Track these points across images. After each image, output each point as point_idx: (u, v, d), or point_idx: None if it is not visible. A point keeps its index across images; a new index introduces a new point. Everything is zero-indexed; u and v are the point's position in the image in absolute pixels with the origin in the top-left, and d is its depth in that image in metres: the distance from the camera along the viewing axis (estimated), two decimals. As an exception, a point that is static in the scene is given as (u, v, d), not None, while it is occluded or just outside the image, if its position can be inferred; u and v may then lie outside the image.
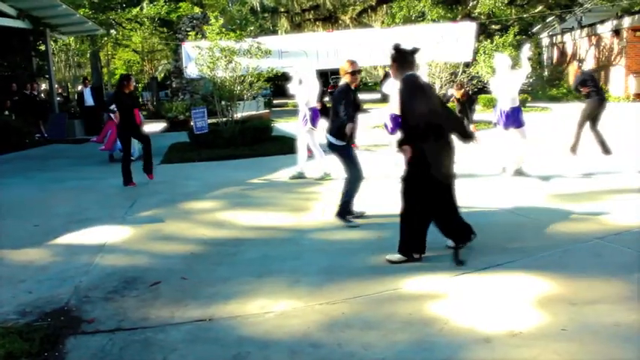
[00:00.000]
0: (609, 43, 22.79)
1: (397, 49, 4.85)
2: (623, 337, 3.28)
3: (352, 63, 6.04)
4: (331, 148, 5.99)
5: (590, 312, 3.63)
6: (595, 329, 3.39)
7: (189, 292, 4.28)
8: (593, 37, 23.98)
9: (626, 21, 21.51)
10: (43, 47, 18.37)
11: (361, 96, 31.83)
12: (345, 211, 5.98)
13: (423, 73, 8.09)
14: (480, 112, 16.35)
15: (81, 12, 19.40)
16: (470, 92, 10.55)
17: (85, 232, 6.12)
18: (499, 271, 4.41)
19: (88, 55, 28.44)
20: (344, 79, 6.07)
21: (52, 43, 20.12)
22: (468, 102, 10.32)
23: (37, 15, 16.32)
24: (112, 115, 11.36)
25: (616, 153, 9.03)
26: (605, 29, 22.89)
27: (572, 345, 3.22)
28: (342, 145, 5.92)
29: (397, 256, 4.73)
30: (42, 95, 20.46)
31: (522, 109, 8.28)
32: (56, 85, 21.78)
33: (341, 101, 5.83)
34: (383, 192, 7.46)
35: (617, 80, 22.02)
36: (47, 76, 18.53)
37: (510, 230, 5.54)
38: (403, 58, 4.81)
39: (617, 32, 22.07)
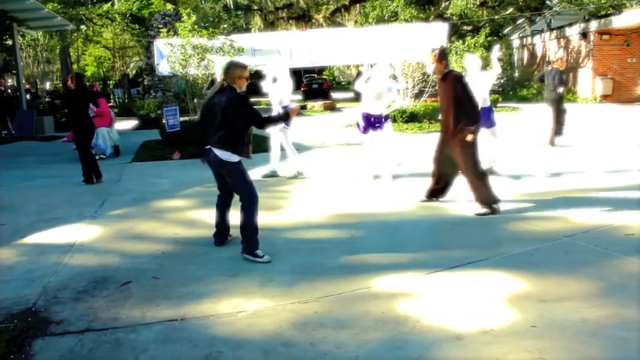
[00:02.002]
0: (577, 45, 23.25)
1: (443, 50, 6.19)
2: (589, 333, 3.35)
3: (245, 68, 5.12)
4: (221, 165, 4.99)
5: (558, 309, 3.70)
6: (563, 325, 3.45)
7: (161, 292, 4.23)
8: (562, 39, 24.44)
9: (594, 24, 21.97)
10: (10, 42, 17.96)
11: (334, 95, 31.76)
12: (255, 245, 4.99)
13: (388, 73, 8.11)
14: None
15: (50, 6, 19.06)
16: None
17: (54, 231, 6.00)
18: (470, 269, 4.47)
19: (58, 51, 27.94)
20: (236, 86, 4.97)
21: (19, 37, 19.67)
22: None
23: (3, 8, 15.94)
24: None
25: (584, 153, 9.22)
26: (573, 32, 23.35)
27: (541, 341, 3.27)
28: (236, 162, 4.98)
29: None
30: (9, 91, 20.02)
31: (493, 109, 8.39)
32: (24, 81, 21.34)
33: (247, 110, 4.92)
34: (354, 191, 7.49)
35: (585, 82, 22.48)
36: (15, 71, 18.12)
37: (481, 229, 5.61)
38: (446, 57, 6.00)
39: (584, 35, 22.53)
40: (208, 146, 4.93)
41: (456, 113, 6.03)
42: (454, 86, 6.00)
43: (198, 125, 5.19)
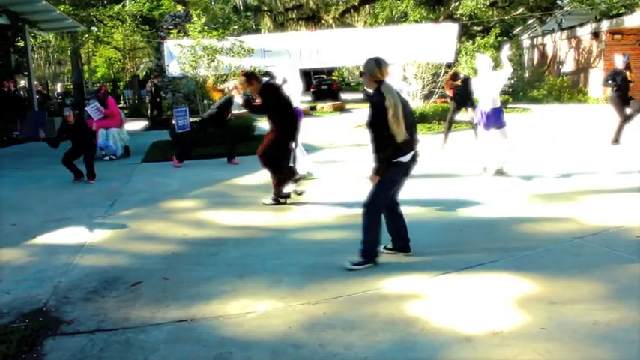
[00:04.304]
0: (588, 45, 23.10)
1: (245, 74, 6.89)
2: (601, 336, 3.33)
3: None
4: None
5: (569, 311, 3.67)
6: (574, 328, 3.43)
7: (171, 292, 4.25)
8: (572, 39, 24.29)
9: (605, 24, 21.82)
10: (22, 44, 18.09)
11: (344, 96, 31.71)
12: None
13: (399, 75, 8.12)
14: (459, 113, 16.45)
15: (61, 8, 19.15)
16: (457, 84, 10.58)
17: (65, 231, 6.04)
18: (480, 271, 4.45)
19: (69, 53, 28.11)
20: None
21: (31, 39, 19.82)
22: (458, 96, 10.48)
23: (16, 10, 16.04)
24: (90, 114, 11.29)
25: (595, 154, 9.15)
26: (584, 32, 23.19)
27: (551, 343, 3.25)
28: None
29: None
30: (21, 92, 20.17)
31: (503, 109, 8.35)
32: (36, 82, 21.49)
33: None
34: (364, 193, 7.48)
35: (596, 82, 22.31)
36: (26, 72, 18.24)
37: (491, 230, 5.58)
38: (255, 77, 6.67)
39: (596, 35, 22.37)
40: (412, 151, 4.56)
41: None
42: (262, 95, 6.71)
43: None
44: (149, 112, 20.05)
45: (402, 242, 4.85)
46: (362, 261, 4.58)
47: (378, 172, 4.50)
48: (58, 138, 8.93)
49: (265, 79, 7.05)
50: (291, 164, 7.13)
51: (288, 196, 6.96)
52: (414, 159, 4.60)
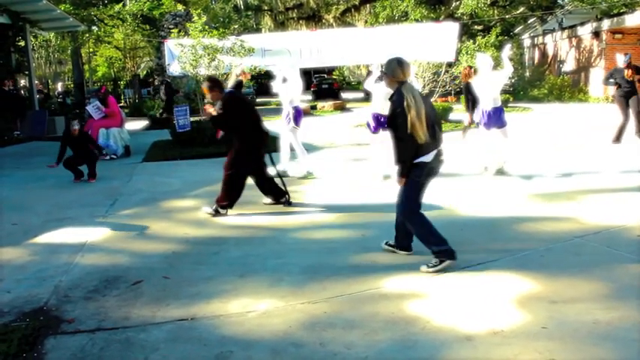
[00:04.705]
0: (589, 44, 23.09)
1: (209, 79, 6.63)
2: (601, 335, 3.32)
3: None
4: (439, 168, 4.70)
5: (569, 310, 3.67)
6: (575, 327, 3.43)
7: (171, 292, 4.25)
8: (573, 38, 24.27)
9: (606, 23, 21.80)
10: (22, 43, 18.09)
11: (344, 95, 31.82)
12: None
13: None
14: (458, 112, 16.45)
15: (62, 8, 19.16)
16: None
17: (65, 230, 6.04)
18: (480, 270, 4.45)
19: (69, 52, 28.12)
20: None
21: (32, 38, 19.82)
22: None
23: (17, 10, 16.05)
24: (91, 114, 11.29)
25: (596, 153, 9.15)
26: (585, 31, 23.18)
27: (552, 342, 3.25)
28: None
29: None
30: (22, 92, 20.16)
31: (504, 109, 8.34)
32: (36, 82, 21.48)
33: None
34: (364, 192, 7.48)
35: (597, 81, 22.31)
36: (27, 72, 18.25)
37: (492, 229, 5.58)
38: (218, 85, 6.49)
39: (596, 34, 22.36)
40: (435, 150, 4.46)
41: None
42: (223, 107, 6.44)
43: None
44: (162, 111, 19.71)
45: (406, 241, 4.82)
46: (434, 263, 4.46)
47: (403, 174, 4.45)
48: (62, 151, 8.94)
49: (228, 89, 6.76)
50: (280, 186, 6.85)
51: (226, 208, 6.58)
52: (437, 158, 4.50)
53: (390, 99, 4.50)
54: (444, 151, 4.58)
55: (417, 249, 4.84)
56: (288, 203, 6.80)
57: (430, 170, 4.49)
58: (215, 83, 6.64)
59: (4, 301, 4.13)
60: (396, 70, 4.41)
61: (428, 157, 4.42)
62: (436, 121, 4.52)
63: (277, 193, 6.84)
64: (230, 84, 10.00)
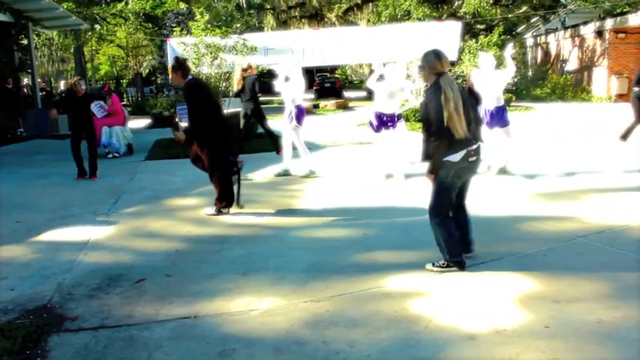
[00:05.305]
0: (592, 44, 23.03)
1: (177, 60, 6.28)
2: (604, 334, 3.32)
3: None
4: (477, 165, 4.49)
5: (572, 309, 3.67)
6: (577, 326, 3.43)
7: (174, 290, 4.26)
8: (576, 38, 24.22)
9: (609, 23, 21.75)
10: (25, 41, 18.12)
11: (347, 94, 31.69)
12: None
13: (403, 73, 8.10)
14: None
15: (64, 6, 19.20)
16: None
17: (69, 228, 6.06)
18: (483, 269, 4.45)
19: (72, 50, 28.15)
20: None
21: (34, 37, 19.85)
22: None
23: (19, 8, 16.08)
24: (94, 112, 11.30)
25: (599, 152, 9.13)
26: (588, 30, 23.13)
27: (555, 342, 3.25)
28: None
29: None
30: (24, 90, 20.17)
31: (507, 108, 8.34)
32: (39, 80, 21.51)
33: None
34: (367, 190, 7.49)
35: (600, 81, 22.27)
36: (30, 70, 18.27)
37: (494, 228, 5.58)
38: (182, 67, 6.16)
39: (599, 34, 22.30)
40: (464, 149, 4.25)
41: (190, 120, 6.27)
42: (185, 95, 6.28)
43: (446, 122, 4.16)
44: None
45: (464, 245, 4.60)
46: (440, 264, 4.43)
47: (433, 170, 4.27)
48: (58, 106, 9.09)
49: (191, 76, 6.40)
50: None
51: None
52: (465, 158, 4.24)
53: (426, 91, 4.37)
54: (479, 150, 4.40)
55: (418, 247, 4.84)
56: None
57: (459, 171, 4.27)
58: (180, 65, 6.28)
59: (8, 299, 4.15)
60: (434, 62, 4.27)
61: (455, 157, 4.21)
62: (474, 118, 4.31)
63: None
64: (236, 76, 9.98)
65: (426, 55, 4.35)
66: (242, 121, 10.67)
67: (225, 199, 6.44)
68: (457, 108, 4.10)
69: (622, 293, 3.90)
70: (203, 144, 6.28)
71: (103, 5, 25.57)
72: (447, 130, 4.11)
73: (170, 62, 14.88)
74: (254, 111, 10.51)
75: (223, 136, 6.39)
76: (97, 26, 26.05)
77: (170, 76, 6.46)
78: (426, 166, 4.34)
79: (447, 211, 4.43)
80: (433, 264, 4.45)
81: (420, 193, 7.03)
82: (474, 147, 4.32)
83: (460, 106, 4.12)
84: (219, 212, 6.46)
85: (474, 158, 4.33)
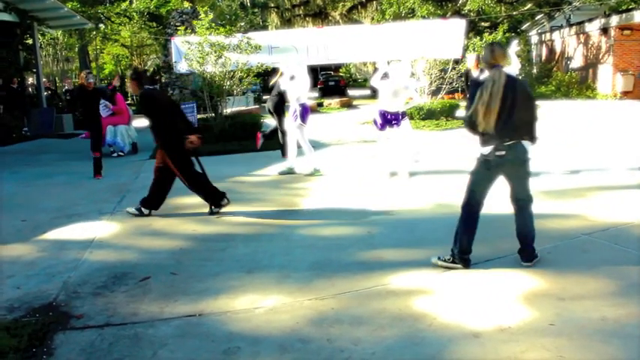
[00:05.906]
0: (597, 41, 22.93)
1: (135, 71, 6.37)
2: (609, 332, 3.32)
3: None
4: (522, 163, 4.67)
5: (577, 307, 3.67)
6: (582, 324, 3.42)
7: (179, 288, 4.27)
8: (581, 35, 24.12)
9: (614, 19, 21.65)
10: (30, 41, 18.18)
11: (351, 92, 31.67)
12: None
13: (408, 71, 8.09)
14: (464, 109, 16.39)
15: (69, 5, 19.24)
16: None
17: (74, 227, 6.08)
18: (487, 267, 4.45)
19: (77, 50, 28.23)
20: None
21: (39, 36, 19.90)
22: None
23: (24, 8, 16.13)
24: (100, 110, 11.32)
25: (603, 150, 9.10)
26: (593, 27, 23.03)
27: (559, 339, 3.25)
28: None
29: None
30: (29, 89, 20.23)
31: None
32: (44, 80, 21.57)
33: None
34: (371, 189, 7.48)
35: (605, 78, 22.17)
36: (34, 70, 18.33)
37: (498, 226, 5.56)
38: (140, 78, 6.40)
39: (605, 31, 22.20)
40: (493, 144, 4.28)
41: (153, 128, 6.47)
42: (139, 104, 6.35)
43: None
44: None
45: (521, 247, 4.56)
46: (446, 258, 4.49)
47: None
48: (74, 105, 9.21)
49: (147, 86, 6.54)
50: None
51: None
52: (493, 152, 4.29)
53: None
54: (514, 147, 4.35)
55: (423, 245, 4.84)
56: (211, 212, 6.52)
57: (489, 164, 4.37)
58: (137, 75, 6.67)
59: (14, 297, 4.17)
60: (487, 55, 4.32)
61: (485, 150, 4.34)
62: (524, 116, 4.29)
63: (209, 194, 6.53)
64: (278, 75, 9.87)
65: (484, 49, 4.47)
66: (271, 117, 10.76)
67: (212, 198, 6.43)
68: (487, 103, 4.13)
69: (627, 291, 3.89)
70: (167, 152, 6.36)
71: (108, 4, 25.65)
72: (470, 117, 4.23)
73: (174, 61, 14.93)
74: (276, 106, 10.46)
75: (180, 142, 6.22)
76: (102, 25, 26.14)
77: (129, 84, 6.69)
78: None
79: (472, 201, 4.54)
80: (439, 258, 4.49)
81: (424, 191, 7.04)
82: (508, 143, 4.28)
83: (493, 102, 4.13)
84: (219, 208, 6.46)
85: (502, 153, 4.30)
